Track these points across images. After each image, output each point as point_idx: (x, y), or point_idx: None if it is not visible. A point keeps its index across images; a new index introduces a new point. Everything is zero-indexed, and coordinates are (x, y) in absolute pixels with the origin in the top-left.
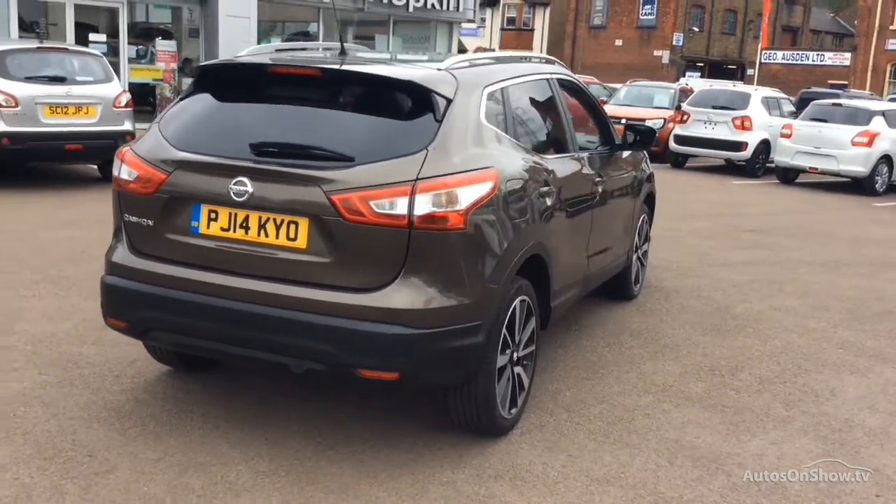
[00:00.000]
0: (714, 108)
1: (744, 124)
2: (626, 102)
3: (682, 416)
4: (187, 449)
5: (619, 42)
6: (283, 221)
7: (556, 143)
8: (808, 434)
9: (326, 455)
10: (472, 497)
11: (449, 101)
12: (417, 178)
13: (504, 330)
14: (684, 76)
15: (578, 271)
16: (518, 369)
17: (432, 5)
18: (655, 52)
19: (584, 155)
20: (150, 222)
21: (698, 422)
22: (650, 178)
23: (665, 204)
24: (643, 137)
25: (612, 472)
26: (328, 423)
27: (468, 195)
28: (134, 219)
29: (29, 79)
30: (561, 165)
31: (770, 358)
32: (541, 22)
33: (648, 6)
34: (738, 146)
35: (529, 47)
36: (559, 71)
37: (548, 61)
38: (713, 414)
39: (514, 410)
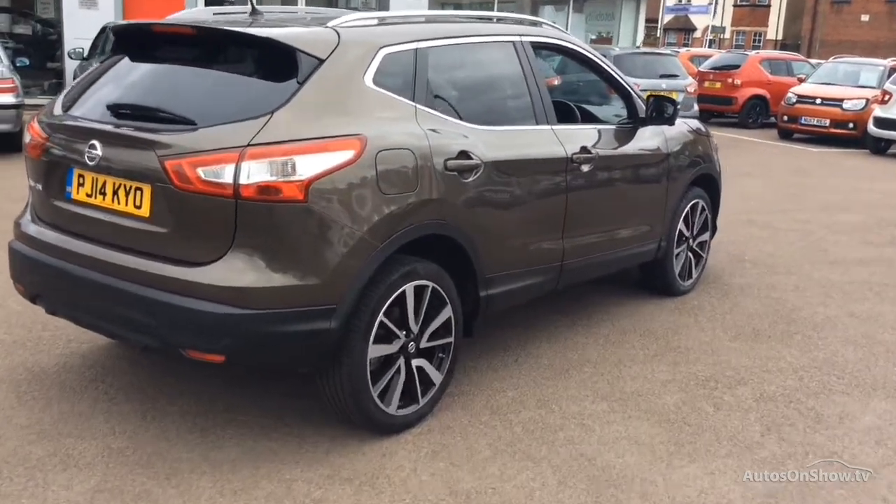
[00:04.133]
0: None
1: None
2: (826, 81)
3: (624, 430)
4: (61, 419)
5: (865, 17)
6: (131, 188)
7: (506, 112)
8: (764, 466)
9: (188, 438)
10: (297, 499)
11: (319, 62)
12: (248, 144)
13: (382, 317)
14: None
15: (544, 257)
16: (420, 362)
17: None
18: None
19: (566, 128)
20: (40, 187)
21: (638, 439)
22: (704, 158)
23: (823, 193)
24: (661, 109)
25: (482, 486)
26: (222, 405)
27: (312, 164)
28: (32, 184)
29: None
30: (505, 138)
31: (795, 372)
32: None
33: None
34: None
35: (765, 24)
36: (539, 33)
37: (531, 23)
38: (663, 431)
39: (410, 408)
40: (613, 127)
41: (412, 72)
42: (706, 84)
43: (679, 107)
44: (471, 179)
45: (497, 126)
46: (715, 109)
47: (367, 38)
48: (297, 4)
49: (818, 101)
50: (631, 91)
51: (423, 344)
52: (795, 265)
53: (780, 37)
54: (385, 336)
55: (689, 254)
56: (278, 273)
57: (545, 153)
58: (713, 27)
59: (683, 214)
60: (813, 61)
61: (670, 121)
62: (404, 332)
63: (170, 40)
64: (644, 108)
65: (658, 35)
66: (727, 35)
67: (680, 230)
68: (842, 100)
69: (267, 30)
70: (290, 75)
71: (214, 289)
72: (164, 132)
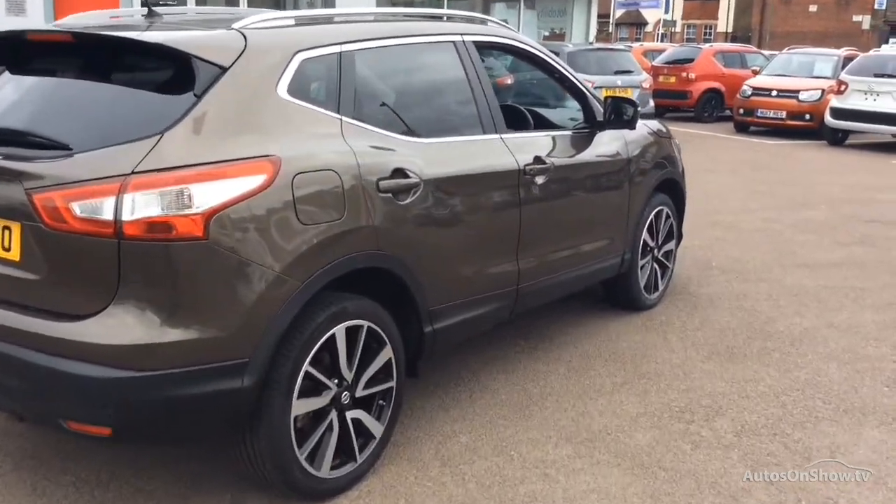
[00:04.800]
0: (877, 76)
1: None
2: (780, 72)
3: (593, 480)
4: None
5: (813, 8)
6: None
7: (448, 122)
8: None
9: None
10: None
11: (222, 70)
12: (133, 172)
13: (308, 366)
14: (887, 43)
15: (497, 282)
16: (357, 414)
17: None
18: (854, 18)
19: (517, 136)
20: None
21: (608, 491)
22: (667, 162)
23: (786, 188)
24: (620, 112)
25: None
26: (127, 470)
27: (213, 193)
28: None
29: None
30: (447, 151)
31: (776, 398)
32: None
33: None
34: None
35: (714, 17)
36: (483, 31)
37: (474, 21)
38: (636, 480)
39: (346, 468)
40: (569, 133)
41: (336, 79)
42: (660, 79)
43: (639, 108)
44: (408, 200)
45: (438, 138)
46: (670, 104)
47: (280, 40)
48: (238, 6)
49: (774, 93)
50: (586, 92)
51: (360, 392)
52: (765, 270)
53: (730, 29)
54: (312, 388)
55: (655, 265)
56: (174, 326)
57: (494, 166)
58: (664, 21)
59: (647, 223)
60: (766, 53)
61: (630, 124)
62: (336, 381)
63: (49, 49)
64: (601, 110)
65: (610, 30)
66: (678, 28)
67: (644, 240)
68: (797, 91)
69: (159, 34)
70: (185, 87)
71: (95, 347)
72: (34, 160)
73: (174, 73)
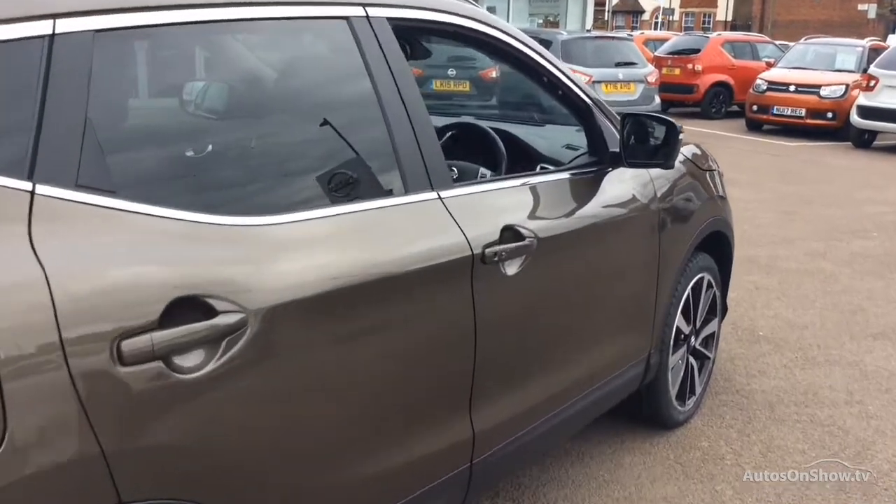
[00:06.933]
0: None
1: None
2: (797, 65)
3: None
4: None
5: None
6: None
7: (330, 176)
8: None
9: None
10: None
11: None
12: None
13: None
14: (893, 33)
15: (433, 467)
16: None
17: None
18: (860, 7)
19: (471, 192)
20: None
21: None
22: (711, 206)
23: (823, 207)
24: (645, 137)
25: None
26: None
27: None
28: None
29: None
30: (322, 238)
31: None
32: None
33: None
34: None
35: (714, 5)
36: (406, 2)
37: None
38: None
39: None
40: (565, 176)
41: (35, 97)
42: (664, 70)
43: (682, 134)
44: (210, 368)
45: (300, 213)
46: (674, 98)
47: None
48: None
49: (791, 88)
50: (592, 106)
51: None
52: (833, 342)
53: (730, 18)
54: None
55: (691, 358)
56: None
57: (423, 255)
58: (662, 9)
59: (682, 302)
60: (777, 43)
61: (665, 160)
62: None
63: None
64: (614, 132)
65: (606, 18)
66: (676, 17)
67: (677, 328)
68: (819, 86)
69: None
70: None
71: None
72: None
73: None
